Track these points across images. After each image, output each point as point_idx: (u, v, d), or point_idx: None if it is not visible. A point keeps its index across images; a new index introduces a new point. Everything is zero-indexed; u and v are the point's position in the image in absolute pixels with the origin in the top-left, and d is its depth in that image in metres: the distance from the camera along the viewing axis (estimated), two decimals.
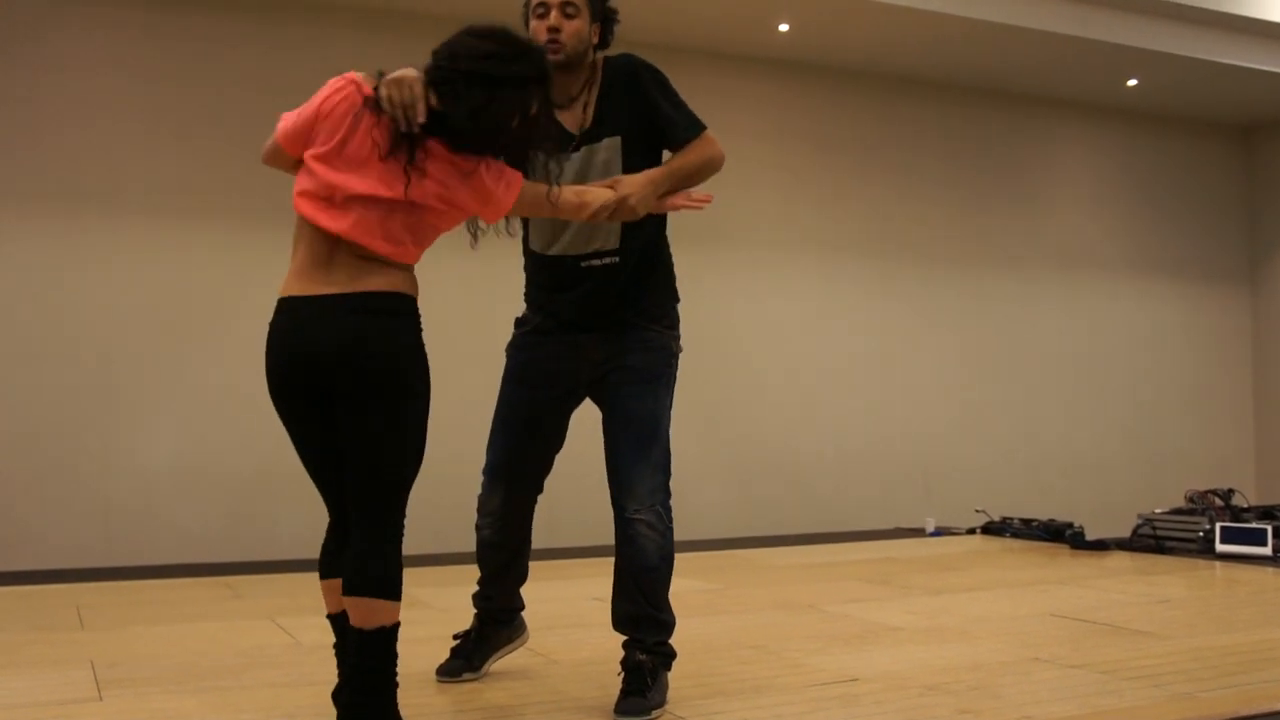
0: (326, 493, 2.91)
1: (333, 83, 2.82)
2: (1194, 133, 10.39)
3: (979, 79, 9.13)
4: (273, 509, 6.65)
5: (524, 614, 3.72)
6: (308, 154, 2.79)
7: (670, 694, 3.27)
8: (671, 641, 3.33)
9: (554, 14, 3.21)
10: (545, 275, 3.40)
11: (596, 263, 3.29)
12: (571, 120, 3.27)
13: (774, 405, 8.41)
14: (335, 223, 2.73)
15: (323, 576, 2.94)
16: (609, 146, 3.27)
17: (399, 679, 2.80)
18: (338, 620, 2.90)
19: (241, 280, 6.77)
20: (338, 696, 2.81)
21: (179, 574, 5.94)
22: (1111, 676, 3.56)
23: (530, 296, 3.49)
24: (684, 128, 3.33)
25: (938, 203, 9.15)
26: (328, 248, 2.76)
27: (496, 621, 3.63)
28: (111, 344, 6.67)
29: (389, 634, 2.75)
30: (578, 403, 3.46)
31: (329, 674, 2.97)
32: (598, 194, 3.08)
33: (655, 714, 3.18)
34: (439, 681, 3.55)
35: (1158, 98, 9.66)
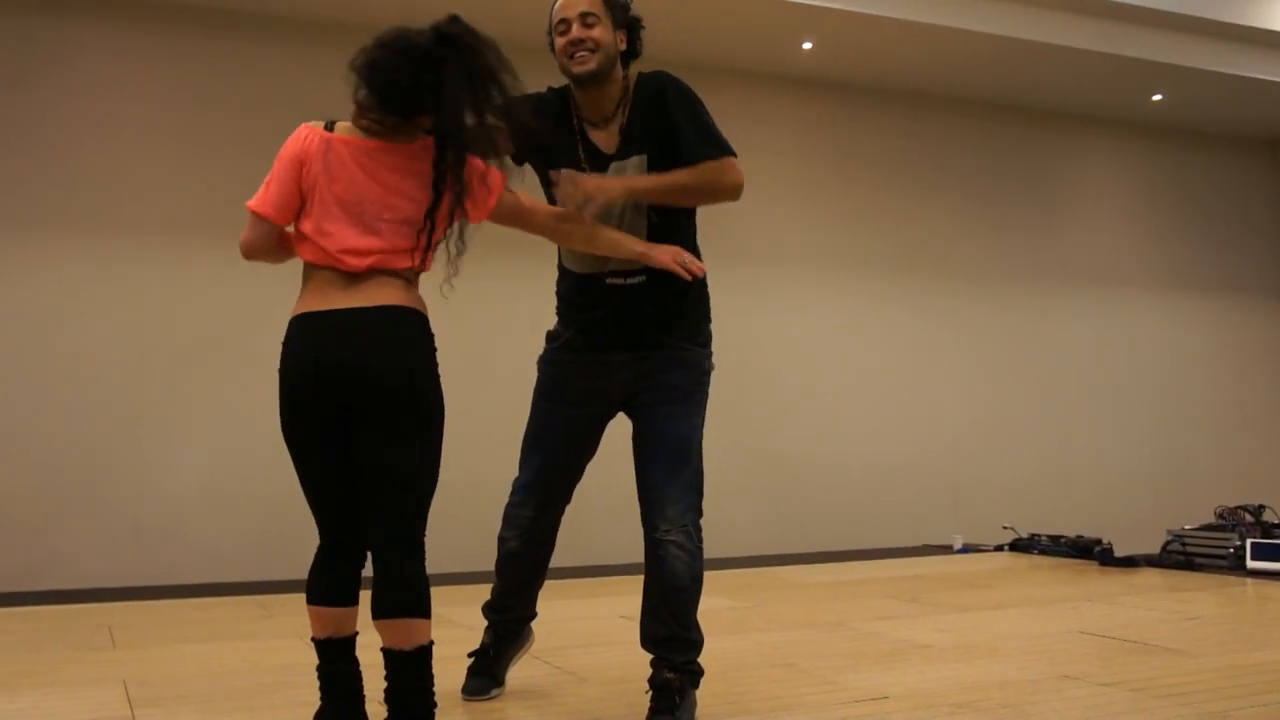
0: (326, 513, 2.89)
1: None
2: (1220, 148, 10.35)
3: (1004, 95, 9.12)
4: (303, 528, 6.64)
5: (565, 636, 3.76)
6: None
7: (699, 712, 3.28)
8: (700, 660, 3.32)
9: (575, 27, 3.22)
10: (575, 292, 3.38)
11: (621, 281, 3.27)
12: (606, 140, 3.28)
13: (801, 422, 8.40)
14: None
15: (311, 601, 2.88)
16: (635, 165, 3.24)
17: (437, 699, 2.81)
18: (326, 645, 2.88)
19: (269, 301, 6.79)
20: (321, 719, 2.85)
21: (210, 593, 5.98)
22: (1142, 694, 3.55)
23: (561, 312, 3.48)
24: (700, 146, 3.23)
25: (963, 219, 9.14)
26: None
27: (512, 632, 3.64)
28: (141, 366, 6.72)
29: (427, 652, 2.76)
30: (611, 417, 3.43)
31: (366, 692, 2.98)
32: (579, 222, 3.10)
33: None
34: (465, 700, 3.55)
35: (1183, 113, 9.63)
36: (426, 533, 2.83)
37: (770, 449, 8.23)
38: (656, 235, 3.27)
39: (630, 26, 3.29)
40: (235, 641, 4.61)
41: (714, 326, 3.45)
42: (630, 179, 3.16)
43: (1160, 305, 9.94)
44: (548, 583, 3.69)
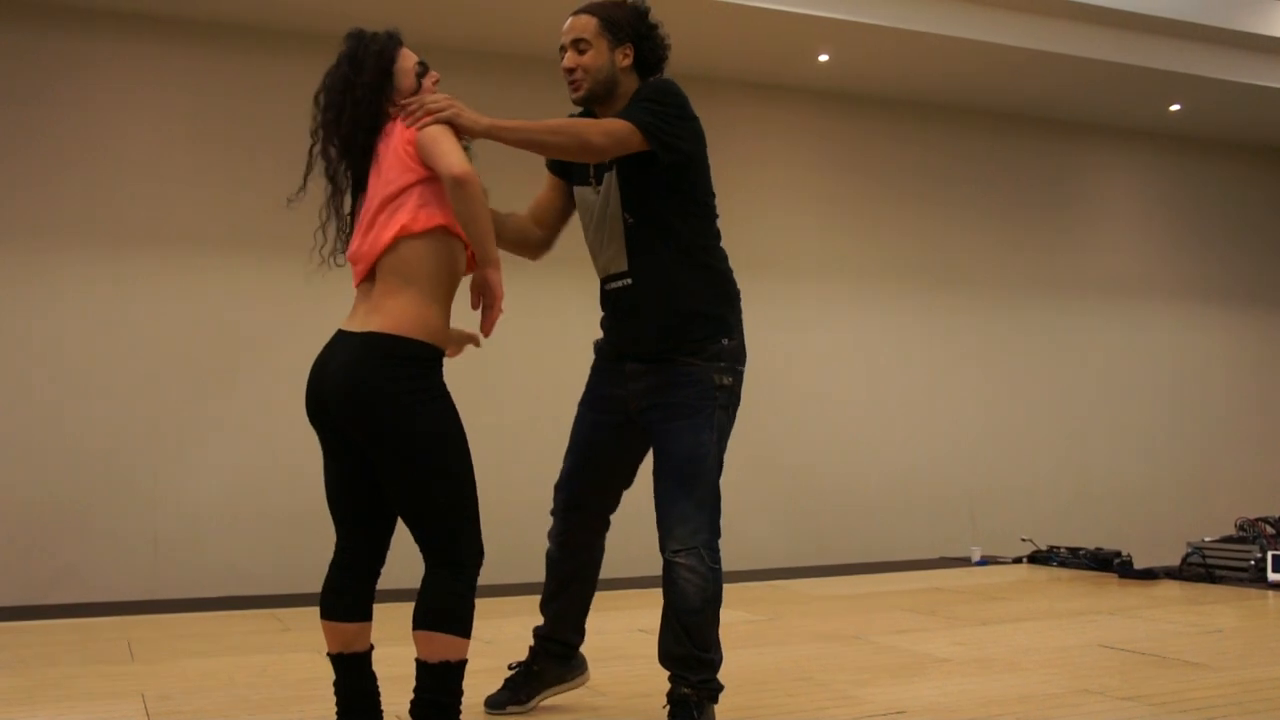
0: (336, 523, 2.97)
1: None
2: (1238, 157, 10.31)
3: (1020, 106, 9.11)
4: (320, 542, 6.66)
5: (583, 651, 3.71)
6: None
7: None
8: (719, 676, 3.28)
9: (569, 54, 3.27)
10: (602, 298, 3.43)
11: (614, 285, 3.32)
12: None
13: (818, 435, 8.38)
14: None
15: (324, 616, 2.92)
16: (612, 173, 3.28)
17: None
18: (339, 660, 2.92)
19: (287, 316, 6.84)
20: None
21: (227, 607, 5.99)
22: (1163, 709, 3.53)
23: (602, 320, 3.51)
24: (628, 109, 3.18)
25: (980, 230, 9.12)
26: None
27: (550, 655, 3.61)
28: (159, 380, 6.75)
29: (452, 668, 2.77)
30: (638, 435, 3.38)
31: (384, 705, 3.01)
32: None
33: None
34: (486, 713, 3.55)
35: (1201, 122, 9.60)
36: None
37: (787, 461, 8.22)
38: (636, 239, 3.26)
39: (639, 38, 3.29)
40: (252, 655, 4.61)
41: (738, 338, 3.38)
42: (492, 118, 2.98)
43: (1179, 316, 9.90)
44: None
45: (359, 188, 2.96)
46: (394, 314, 2.78)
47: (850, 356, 8.59)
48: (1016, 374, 9.17)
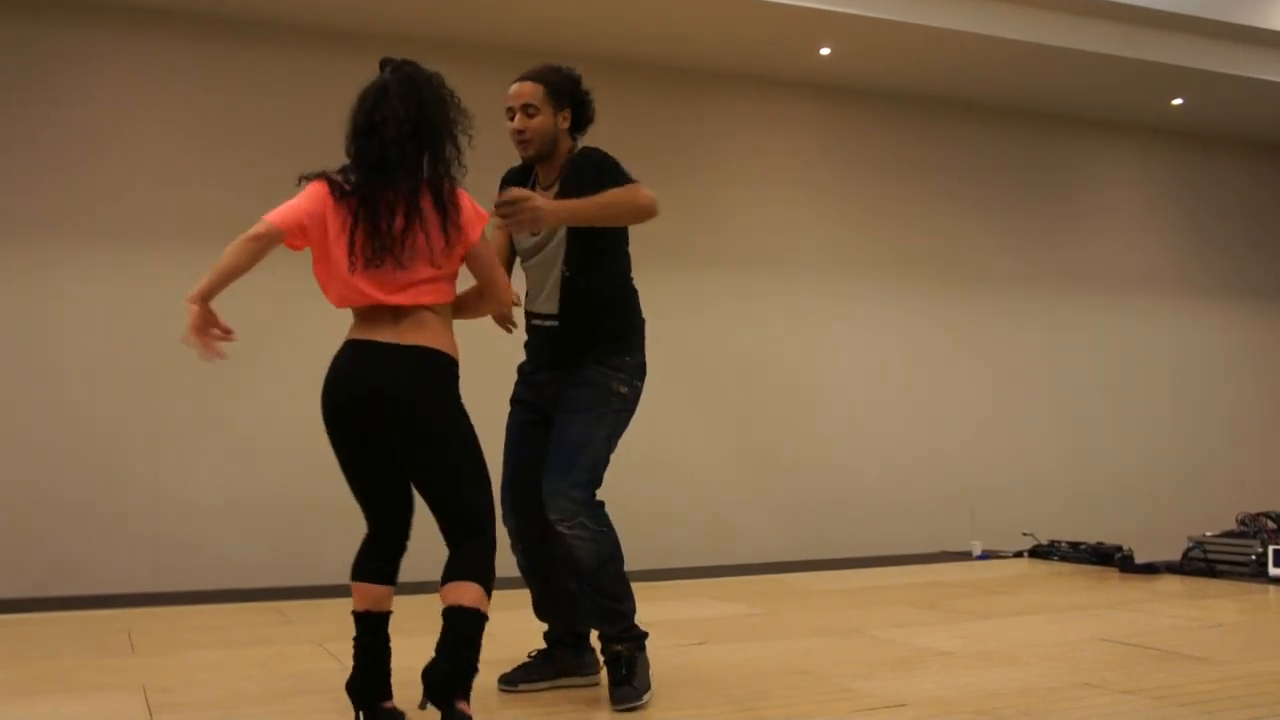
0: (369, 511, 3.28)
1: None
2: (1240, 152, 10.29)
3: (1023, 100, 9.10)
4: (320, 536, 6.69)
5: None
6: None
7: (715, 717, 3.27)
8: (638, 622, 3.67)
9: (518, 116, 3.65)
10: (527, 326, 3.86)
11: (543, 323, 3.76)
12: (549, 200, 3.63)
13: (817, 429, 8.38)
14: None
15: (355, 578, 3.24)
16: (559, 228, 3.64)
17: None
18: (364, 618, 3.20)
19: (287, 313, 6.83)
20: (351, 686, 3.17)
21: (228, 600, 5.99)
22: (1163, 702, 3.53)
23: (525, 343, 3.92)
24: (614, 182, 3.61)
25: (981, 225, 9.12)
26: None
27: (561, 644, 3.86)
28: (160, 375, 6.74)
29: (478, 615, 3.06)
30: (546, 424, 3.75)
31: None
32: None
33: (646, 698, 3.54)
34: (499, 689, 3.75)
35: (1204, 117, 9.59)
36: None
37: (786, 455, 8.22)
38: (569, 289, 3.67)
39: (576, 104, 3.71)
40: (253, 648, 4.62)
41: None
42: (567, 203, 3.54)
43: (1180, 310, 9.89)
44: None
45: (374, 204, 3.16)
46: (436, 333, 3.17)
47: (850, 350, 8.58)
48: (1018, 368, 9.16)
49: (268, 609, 5.65)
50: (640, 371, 3.77)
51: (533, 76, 3.67)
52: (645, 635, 3.68)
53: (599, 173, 3.63)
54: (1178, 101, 9.15)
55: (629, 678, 3.58)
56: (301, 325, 6.82)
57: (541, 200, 3.45)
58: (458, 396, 3.18)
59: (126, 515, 6.61)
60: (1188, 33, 8.13)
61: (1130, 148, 9.86)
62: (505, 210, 3.41)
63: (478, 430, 3.21)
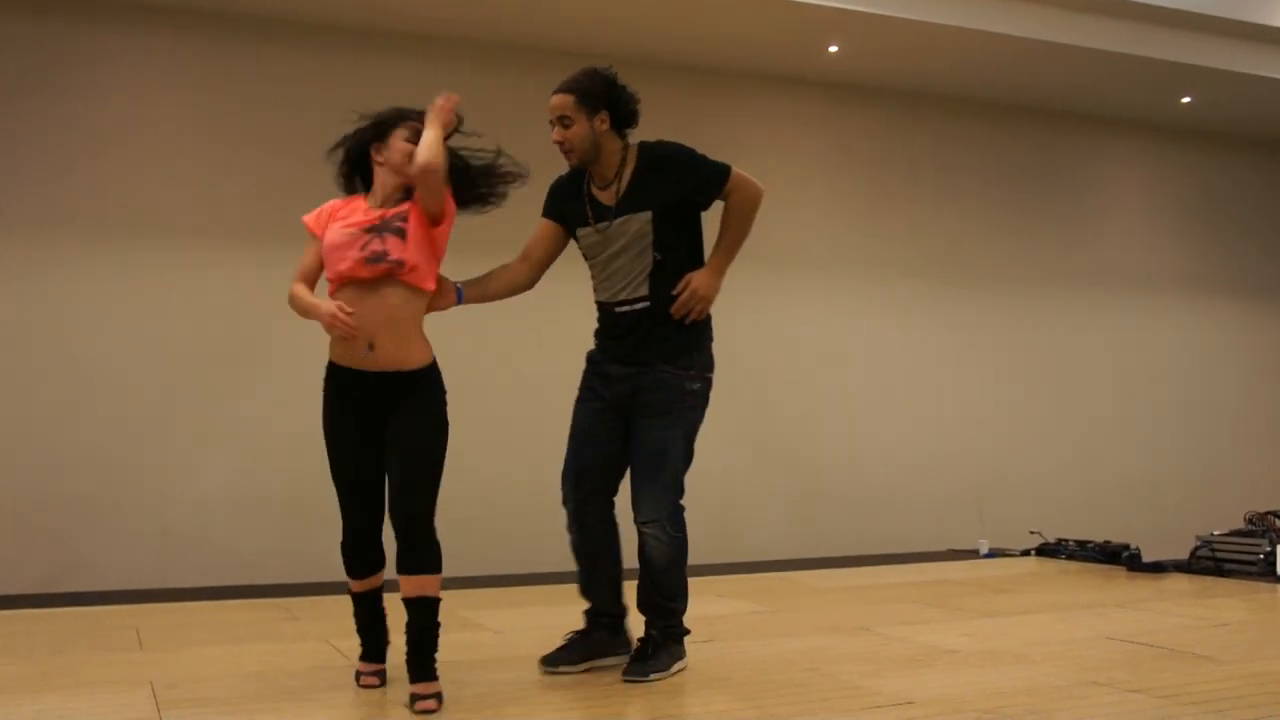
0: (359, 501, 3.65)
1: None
2: (1249, 150, 10.27)
3: (1031, 98, 9.08)
4: (328, 532, 6.67)
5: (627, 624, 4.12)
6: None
7: (723, 714, 3.27)
8: (687, 621, 3.95)
9: (556, 128, 3.85)
10: (599, 318, 4.02)
11: (628, 308, 3.88)
12: (608, 198, 3.89)
13: (826, 426, 8.37)
14: None
15: (359, 576, 3.71)
16: (642, 219, 3.83)
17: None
18: (359, 596, 3.72)
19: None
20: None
21: (235, 596, 6.00)
22: (1170, 701, 3.52)
23: (596, 333, 4.08)
24: (714, 181, 3.88)
25: (989, 222, 9.10)
26: None
27: (601, 626, 4.03)
28: (167, 371, 6.76)
29: (438, 602, 3.45)
30: (625, 423, 3.93)
31: (383, 694, 3.23)
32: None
33: (654, 677, 3.74)
34: (542, 670, 3.89)
35: (1212, 115, 9.56)
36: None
37: (794, 453, 8.21)
38: (660, 272, 3.84)
39: (612, 103, 3.85)
40: (260, 644, 4.62)
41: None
42: (716, 264, 3.87)
43: (1189, 309, 9.87)
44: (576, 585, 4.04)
45: None
46: None
47: (858, 349, 8.58)
48: (1025, 367, 9.15)
49: (275, 605, 5.65)
50: (709, 364, 3.95)
51: (564, 88, 3.84)
52: (686, 632, 3.96)
53: (687, 171, 3.87)
54: (1187, 100, 9.13)
55: (649, 657, 3.81)
56: (310, 325, 6.83)
57: (700, 281, 3.80)
58: None
59: (134, 511, 6.63)
60: (1197, 30, 8.11)
61: (1139, 146, 9.84)
62: (682, 310, 3.79)
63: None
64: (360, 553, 3.68)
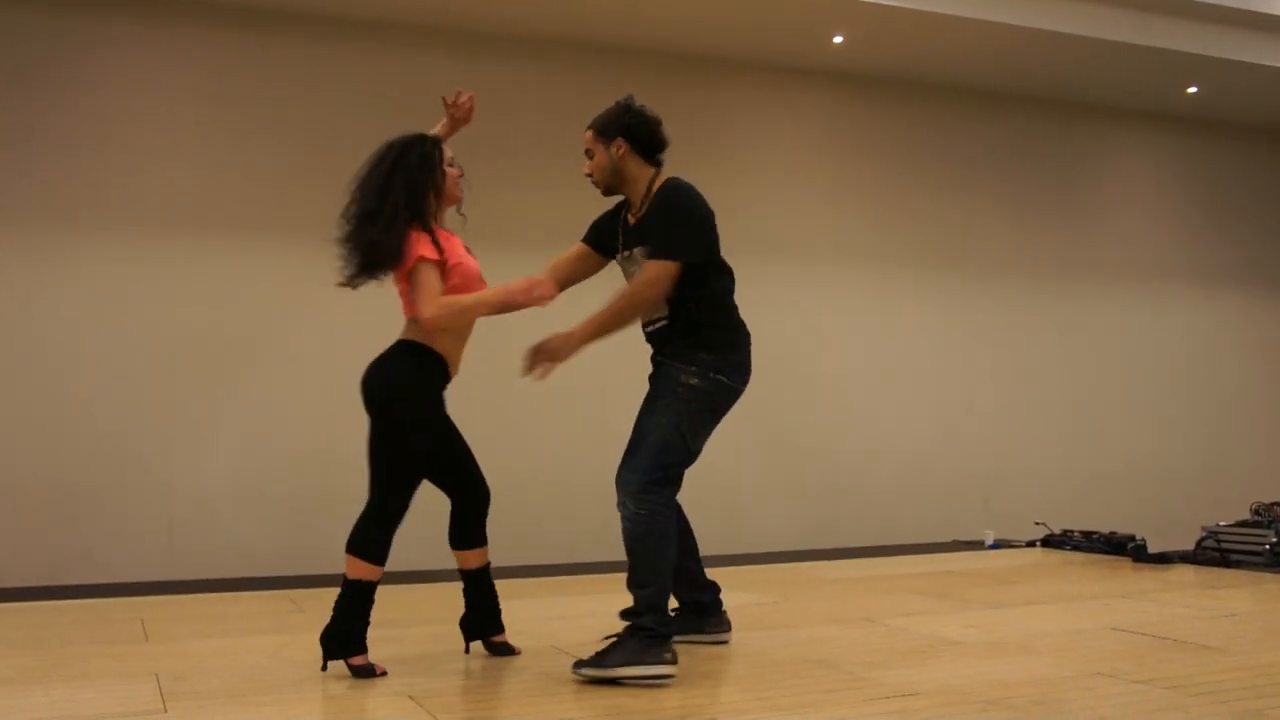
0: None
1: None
2: (1256, 141, 10.24)
3: (1037, 88, 9.06)
4: (333, 524, 6.68)
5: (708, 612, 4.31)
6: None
7: (724, 705, 3.27)
8: (652, 617, 3.73)
9: (586, 162, 4.04)
10: (645, 337, 4.14)
11: (654, 327, 4.02)
12: (634, 221, 4.03)
13: (831, 417, 8.37)
14: None
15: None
16: (644, 251, 3.92)
17: None
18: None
19: (301, 300, 6.85)
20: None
21: (241, 588, 6.01)
22: (1177, 692, 3.51)
23: None
24: (654, 244, 3.88)
25: (994, 213, 9.09)
26: None
27: (686, 609, 4.30)
28: (173, 363, 6.76)
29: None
30: None
31: (388, 686, 3.29)
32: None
33: (583, 671, 3.66)
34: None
35: (1218, 105, 9.54)
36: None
37: (800, 444, 8.22)
38: (676, 292, 3.88)
39: (626, 129, 3.95)
40: (266, 635, 4.63)
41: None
42: (580, 331, 3.83)
43: (1195, 300, 9.86)
44: (585, 577, 4.19)
45: None
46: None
47: (862, 340, 8.57)
48: (1030, 357, 9.14)
49: (280, 597, 5.66)
50: (719, 366, 3.92)
51: (589, 124, 4.03)
52: (659, 634, 3.70)
53: (654, 226, 3.91)
54: (1193, 90, 9.10)
55: (603, 653, 3.71)
56: (314, 313, 6.84)
57: (555, 341, 3.80)
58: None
59: (139, 503, 6.64)
60: (1203, 20, 8.09)
61: (1145, 136, 9.82)
62: (528, 363, 3.83)
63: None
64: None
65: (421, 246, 3.78)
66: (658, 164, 4.02)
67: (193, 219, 6.87)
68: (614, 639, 3.79)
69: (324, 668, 3.77)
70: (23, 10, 6.60)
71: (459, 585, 4.11)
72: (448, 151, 3.99)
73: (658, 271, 3.83)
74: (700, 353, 3.91)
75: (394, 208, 3.78)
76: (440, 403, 3.94)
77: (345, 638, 3.74)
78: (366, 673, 3.70)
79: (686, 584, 4.25)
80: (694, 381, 3.88)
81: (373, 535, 3.74)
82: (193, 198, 6.87)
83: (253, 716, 3.30)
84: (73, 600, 5.59)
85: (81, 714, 3.34)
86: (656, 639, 3.68)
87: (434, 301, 3.75)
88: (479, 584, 4.08)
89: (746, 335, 4.05)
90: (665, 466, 3.82)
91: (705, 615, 4.30)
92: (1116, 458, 9.30)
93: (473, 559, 4.04)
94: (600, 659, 3.68)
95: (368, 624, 3.77)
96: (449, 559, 4.05)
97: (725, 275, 4.03)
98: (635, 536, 3.76)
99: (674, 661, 3.67)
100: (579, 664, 3.71)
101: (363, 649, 3.74)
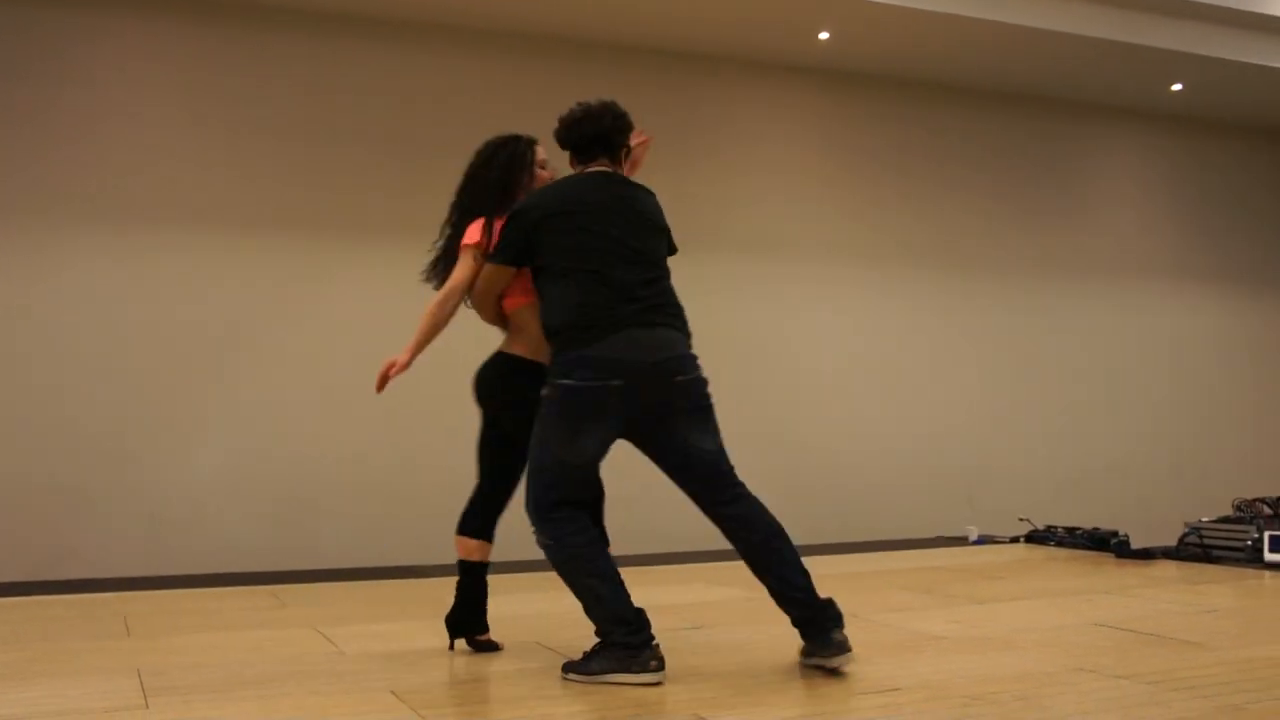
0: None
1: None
2: (1240, 138, 10.28)
3: (1023, 86, 9.08)
4: (317, 520, 6.69)
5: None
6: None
7: (710, 701, 3.28)
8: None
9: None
10: None
11: None
12: None
13: (816, 414, 8.38)
14: None
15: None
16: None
17: None
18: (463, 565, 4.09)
19: (289, 295, 6.83)
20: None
21: (224, 583, 5.99)
22: (1158, 687, 3.52)
23: None
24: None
25: (979, 210, 9.10)
26: None
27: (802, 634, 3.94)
28: (160, 359, 6.74)
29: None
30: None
31: (371, 682, 3.23)
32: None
33: (575, 677, 3.63)
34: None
35: (1203, 103, 9.57)
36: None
37: (785, 440, 8.22)
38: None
39: (566, 142, 3.93)
40: (249, 631, 4.62)
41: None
42: (410, 346, 3.91)
43: (1178, 297, 9.89)
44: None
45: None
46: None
47: (847, 336, 8.58)
48: (1015, 354, 9.16)
49: (263, 592, 5.65)
50: (565, 370, 3.72)
51: None
52: (626, 643, 3.61)
53: None
54: (1177, 87, 9.13)
55: (588, 656, 3.68)
56: (302, 310, 6.82)
57: (395, 359, 3.89)
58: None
59: (123, 498, 6.62)
60: (1187, 18, 8.12)
61: (1129, 133, 9.84)
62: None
63: None
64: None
65: (470, 234, 3.91)
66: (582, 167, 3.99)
67: (183, 215, 6.83)
68: (599, 642, 3.74)
69: (450, 647, 4.11)
70: (14, 4, 6.57)
71: (442, 581, 4.10)
72: (540, 152, 4.08)
73: (454, 280, 3.97)
74: (553, 361, 3.77)
75: (480, 204, 3.95)
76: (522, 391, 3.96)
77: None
78: (489, 648, 4.09)
79: (779, 602, 3.99)
80: (545, 393, 3.77)
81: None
82: (182, 192, 6.84)
83: (234, 712, 3.29)
84: (56, 595, 5.57)
85: (63, 709, 3.32)
86: (632, 649, 3.60)
87: (443, 289, 3.92)
88: (477, 579, 4.11)
89: (610, 325, 3.70)
90: (548, 488, 3.73)
91: (814, 638, 3.84)
92: (1100, 454, 9.32)
93: (478, 551, 4.10)
94: (585, 665, 3.65)
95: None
96: (434, 554, 4.03)
97: (563, 278, 3.77)
98: (556, 565, 3.77)
99: (659, 669, 3.59)
100: (567, 666, 3.70)
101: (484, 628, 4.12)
